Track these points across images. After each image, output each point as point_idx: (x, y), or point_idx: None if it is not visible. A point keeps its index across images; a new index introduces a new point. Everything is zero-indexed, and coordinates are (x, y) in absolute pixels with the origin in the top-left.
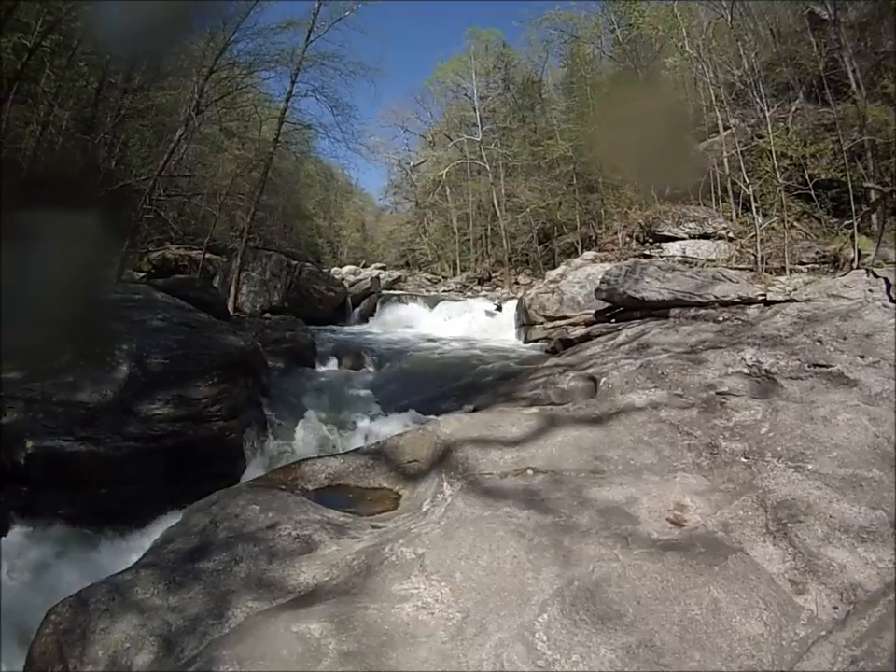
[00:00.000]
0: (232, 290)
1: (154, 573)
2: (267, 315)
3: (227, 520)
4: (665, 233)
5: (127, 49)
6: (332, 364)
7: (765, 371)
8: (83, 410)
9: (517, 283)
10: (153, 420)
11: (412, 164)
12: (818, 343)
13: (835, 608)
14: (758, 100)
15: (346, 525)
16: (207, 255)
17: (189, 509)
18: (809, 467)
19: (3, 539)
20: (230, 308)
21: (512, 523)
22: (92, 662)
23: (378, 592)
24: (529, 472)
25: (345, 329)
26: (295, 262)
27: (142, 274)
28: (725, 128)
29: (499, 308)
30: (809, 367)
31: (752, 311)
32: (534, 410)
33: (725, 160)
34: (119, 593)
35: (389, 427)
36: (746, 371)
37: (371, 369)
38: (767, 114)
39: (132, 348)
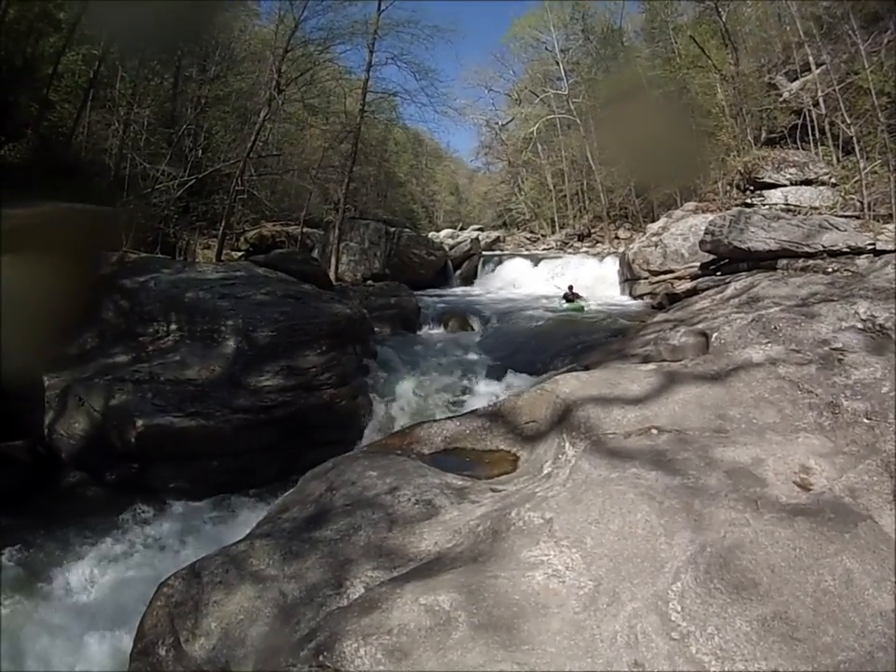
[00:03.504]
0: (333, 261)
1: (269, 543)
2: (369, 282)
3: (344, 486)
4: (766, 180)
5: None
6: (438, 328)
7: (880, 325)
8: (191, 386)
9: (617, 237)
10: (263, 391)
11: (500, 124)
12: None
13: None
14: (850, 32)
15: (466, 489)
16: (304, 229)
17: (305, 477)
18: None
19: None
20: (331, 278)
21: (641, 485)
22: (205, 634)
23: (506, 559)
24: (654, 432)
25: (448, 291)
26: (393, 229)
27: (240, 253)
28: (818, 65)
29: (572, 296)
30: None
31: (861, 261)
32: (651, 367)
33: (821, 99)
34: (234, 564)
35: (500, 388)
36: (860, 325)
37: (478, 330)
38: (861, 47)
39: (237, 323)
